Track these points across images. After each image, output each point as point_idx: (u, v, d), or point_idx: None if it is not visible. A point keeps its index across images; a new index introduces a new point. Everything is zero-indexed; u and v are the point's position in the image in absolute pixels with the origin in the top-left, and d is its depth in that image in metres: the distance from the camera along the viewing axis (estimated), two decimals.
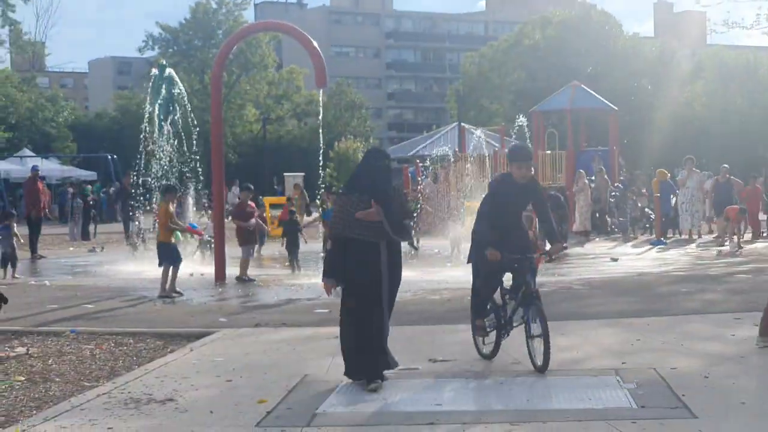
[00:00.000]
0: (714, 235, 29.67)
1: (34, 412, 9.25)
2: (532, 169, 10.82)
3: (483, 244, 10.48)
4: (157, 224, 19.93)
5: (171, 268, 18.68)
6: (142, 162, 26.04)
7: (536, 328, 10.15)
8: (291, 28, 24.25)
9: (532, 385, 9.65)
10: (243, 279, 20.67)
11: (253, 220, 21.63)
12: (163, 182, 24.61)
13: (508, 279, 10.91)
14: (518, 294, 10.53)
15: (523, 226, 11.19)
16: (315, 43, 22.26)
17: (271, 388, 9.76)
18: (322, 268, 10.08)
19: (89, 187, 48.69)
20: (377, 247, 9.81)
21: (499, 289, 10.92)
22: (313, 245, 25.37)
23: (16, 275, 22.56)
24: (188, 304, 17.59)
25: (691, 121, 72.18)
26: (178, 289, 18.72)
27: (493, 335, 10.91)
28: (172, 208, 19.22)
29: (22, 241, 24.18)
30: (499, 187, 10.81)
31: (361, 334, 9.83)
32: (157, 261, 19.03)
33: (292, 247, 23.78)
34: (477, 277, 10.90)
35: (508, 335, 10.83)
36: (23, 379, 10.78)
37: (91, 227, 37.13)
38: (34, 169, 31.74)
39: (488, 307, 10.96)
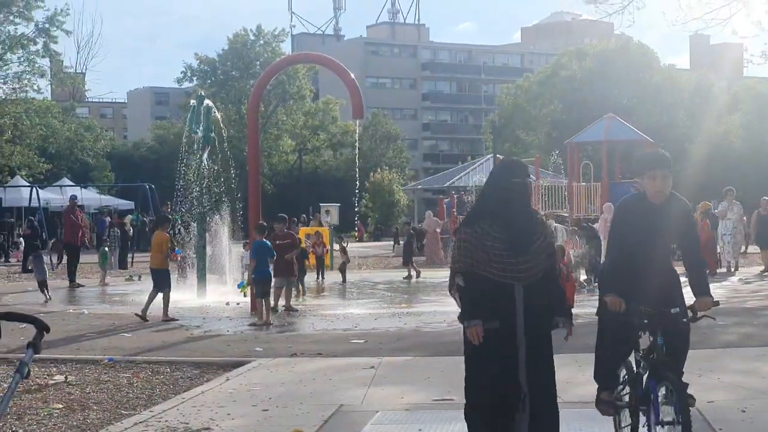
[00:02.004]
0: (761, 269, 29.31)
1: None
2: (671, 181, 7.82)
3: (604, 287, 7.86)
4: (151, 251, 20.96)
5: (162, 294, 19.63)
6: (180, 192, 26.24)
7: (668, 413, 7.38)
8: (328, 60, 24.43)
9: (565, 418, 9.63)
10: (276, 309, 20.69)
11: (294, 252, 21.68)
12: (198, 210, 24.91)
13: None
14: (651, 361, 7.60)
15: (672, 268, 7.96)
16: (352, 75, 22.41)
17: (307, 418, 9.79)
18: (461, 311, 7.36)
19: (130, 216, 49.01)
20: (511, 290, 7.21)
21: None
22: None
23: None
24: (224, 333, 17.66)
25: (727, 154, 71.86)
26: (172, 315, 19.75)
27: (627, 417, 7.92)
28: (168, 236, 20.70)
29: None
30: (626, 212, 7.92)
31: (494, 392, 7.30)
32: (153, 285, 20.04)
33: (300, 274, 24.07)
34: (601, 334, 8.05)
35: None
36: (62, 406, 10.86)
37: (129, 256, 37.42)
38: (73, 198, 32.05)
39: (622, 375, 8.03)
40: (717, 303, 7.63)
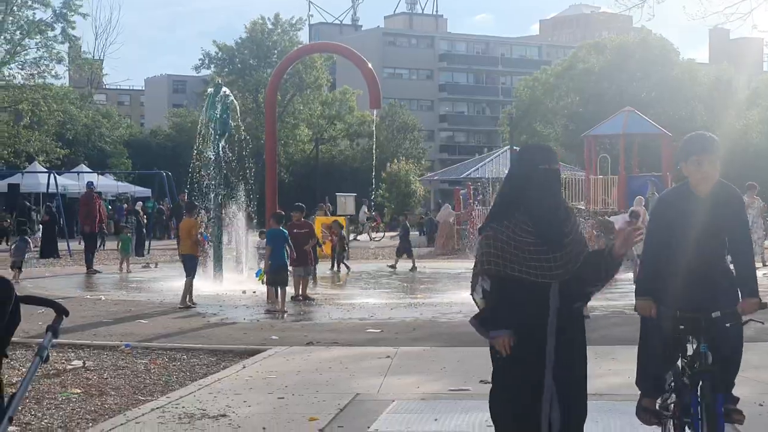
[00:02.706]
0: None
1: (90, 424, 9.38)
2: (719, 167, 7.03)
3: (638, 288, 7.17)
4: (180, 238, 21.33)
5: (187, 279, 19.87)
6: (196, 180, 26.29)
7: None
8: (346, 50, 24.48)
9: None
10: (298, 299, 20.74)
11: (312, 241, 21.71)
12: (220, 195, 24.98)
13: None
14: (692, 370, 6.91)
15: (723, 267, 7.16)
16: (369, 65, 22.44)
17: (323, 406, 9.83)
18: (487, 319, 6.62)
19: (140, 203, 49.16)
20: (545, 290, 6.48)
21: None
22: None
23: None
24: (241, 321, 17.71)
25: (746, 149, 71.56)
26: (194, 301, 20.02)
27: (671, 428, 7.23)
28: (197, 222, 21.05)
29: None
30: (667, 206, 7.11)
31: (519, 408, 6.55)
32: (184, 273, 20.16)
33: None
34: (644, 336, 7.27)
35: None
36: (79, 391, 10.93)
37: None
38: (90, 185, 32.13)
39: (668, 382, 7.28)
40: (765, 305, 6.99)
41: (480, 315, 6.68)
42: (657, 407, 7.25)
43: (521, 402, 6.46)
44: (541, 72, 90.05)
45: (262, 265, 21.91)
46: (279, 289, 19.22)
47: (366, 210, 51.36)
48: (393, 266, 30.57)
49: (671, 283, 6.87)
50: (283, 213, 20.91)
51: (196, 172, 26.45)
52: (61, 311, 5.91)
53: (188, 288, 19.84)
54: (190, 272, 19.99)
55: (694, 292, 6.82)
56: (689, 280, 6.84)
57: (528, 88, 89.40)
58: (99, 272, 28.33)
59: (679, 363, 7.10)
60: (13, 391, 5.50)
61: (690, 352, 6.96)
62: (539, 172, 6.49)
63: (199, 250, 20.97)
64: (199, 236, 21.27)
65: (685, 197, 6.96)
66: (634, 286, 7.33)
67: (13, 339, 5.67)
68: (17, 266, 26.31)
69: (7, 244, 40.57)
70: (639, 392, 7.38)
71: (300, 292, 20.96)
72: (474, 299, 6.77)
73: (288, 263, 19.71)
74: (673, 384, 7.15)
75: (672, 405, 7.13)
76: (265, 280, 20.19)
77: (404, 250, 31.34)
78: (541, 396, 6.43)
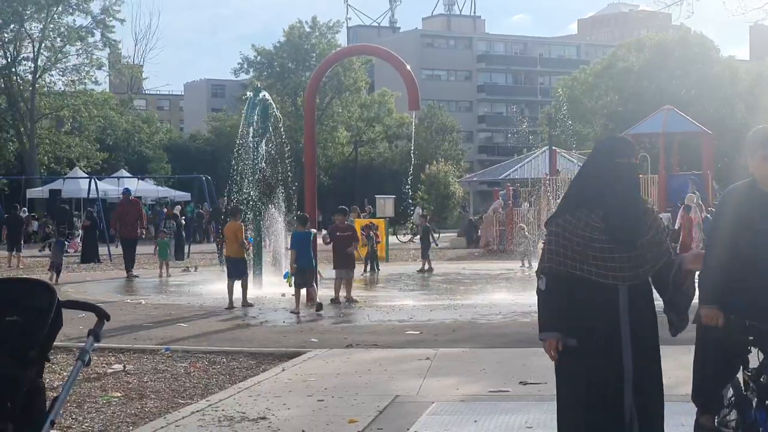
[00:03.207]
0: None
1: (131, 428, 9.41)
2: None
3: (701, 298, 6.49)
4: (225, 241, 21.61)
5: (241, 281, 20.23)
6: (235, 183, 26.35)
7: None
8: (385, 52, 24.46)
9: None
10: (338, 301, 20.78)
11: (354, 245, 21.82)
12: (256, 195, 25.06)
13: None
14: (758, 384, 6.40)
15: None
16: (408, 67, 22.41)
17: (362, 408, 9.82)
18: (538, 320, 6.29)
19: (178, 206, 49.41)
20: (614, 293, 6.02)
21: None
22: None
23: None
24: (280, 324, 17.75)
25: None
26: (250, 301, 20.37)
27: None
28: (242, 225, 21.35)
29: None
30: (733, 205, 6.53)
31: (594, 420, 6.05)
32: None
33: None
34: (702, 347, 6.74)
35: None
36: (120, 395, 10.98)
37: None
38: (126, 191, 32.27)
39: (728, 398, 6.77)
40: None
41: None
42: (716, 424, 6.73)
43: (594, 422, 6.00)
44: (579, 71, 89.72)
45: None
46: (305, 290, 19.49)
47: (421, 212, 51.22)
48: (424, 270, 30.40)
49: (743, 289, 6.29)
50: (307, 215, 20.94)
51: (235, 176, 26.53)
52: (102, 315, 5.93)
53: (245, 289, 20.25)
54: (241, 274, 20.29)
55: (765, 299, 6.23)
56: (760, 287, 6.25)
57: (567, 88, 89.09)
58: (137, 277, 28.49)
59: (739, 376, 6.63)
60: (55, 395, 5.53)
61: (754, 364, 6.48)
62: (616, 165, 6.06)
63: (244, 253, 21.10)
64: (245, 240, 21.43)
65: (753, 195, 6.40)
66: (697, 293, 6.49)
67: (54, 343, 5.71)
68: (56, 268, 26.90)
69: (49, 249, 40.90)
70: (696, 408, 6.91)
71: (343, 294, 21.08)
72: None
73: (314, 264, 19.90)
74: (733, 399, 6.65)
75: (733, 422, 6.60)
76: (293, 282, 20.27)
77: (423, 250, 31.20)
78: (623, 419, 5.97)
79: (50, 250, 28.80)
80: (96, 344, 5.82)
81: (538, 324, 6.22)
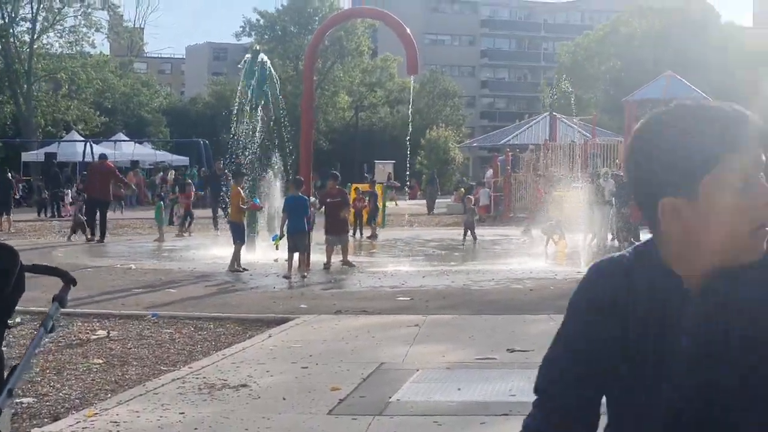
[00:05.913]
0: None
1: (109, 395, 9.22)
2: None
3: None
4: (229, 205, 21.71)
5: (234, 246, 20.17)
6: (233, 147, 26.14)
7: None
8: (385, 14, 24.18)
9: None
10: (328, 267, 20.60)
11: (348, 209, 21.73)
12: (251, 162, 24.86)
13: None
14: None
15: None
16: (408, 31, 22.11)
17: (346, 376, 9.66)
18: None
19: (173, 171, 49.18)
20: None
21: None
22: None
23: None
24: (271, 289, 17.57)
25: None
26: (244, 266, 20.25)
27: None
28: (242, 190, 21.08)
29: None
30: None
31: None
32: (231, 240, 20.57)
33: None
34: None
35: None
36: (101, 361, 10.81)
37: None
38: (102, 156, 31.41)
39: None
40: None
41: None
42: None
43: None
44: (583, 37, 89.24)
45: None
46: (297, 255, 19.41)
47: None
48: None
49: None
50: (302, 179, 20.71)
51: (233, 139, 26.29)
52: (69, 280, 5.73)
53: (237, 254, 20.10)
54: (238, 238, 20.21)
55: None
56: None
57: (569, 54, 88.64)
58: (93, 241, 27.59)
59: None
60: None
61: None
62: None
63: (243, 218, 21.00)
64: (249, 202, 21.33)
65: None
66: None
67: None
68: (80, 226, 28.13)
69: (45, 216, 40.72)
70: None
71: (340, 259, 20.95)
72: None
73: (307, 229, 19.75)
74: None
75: None
76: (280, 245, 20.09)
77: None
78: None
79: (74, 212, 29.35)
80: (61, 309, 5.62)
81: None
